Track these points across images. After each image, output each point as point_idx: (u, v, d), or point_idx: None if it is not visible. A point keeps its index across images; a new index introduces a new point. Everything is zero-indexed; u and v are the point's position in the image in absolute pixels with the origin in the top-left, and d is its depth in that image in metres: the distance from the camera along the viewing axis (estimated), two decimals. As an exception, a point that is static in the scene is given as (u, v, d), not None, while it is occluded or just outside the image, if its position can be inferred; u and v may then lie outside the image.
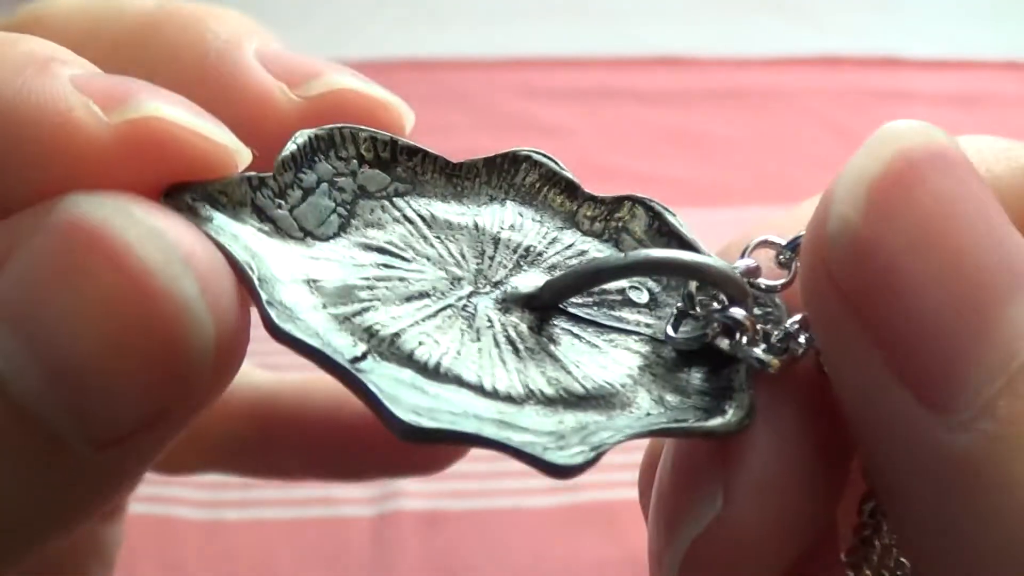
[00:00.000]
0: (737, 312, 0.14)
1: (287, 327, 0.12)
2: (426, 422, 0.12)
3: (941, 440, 0.12)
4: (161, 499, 0.35)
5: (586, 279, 0.14)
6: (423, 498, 0.37)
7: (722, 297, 0.14)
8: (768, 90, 0.64)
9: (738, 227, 0.16)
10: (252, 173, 0.14)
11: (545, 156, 0.16)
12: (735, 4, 0.75)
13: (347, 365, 0.12)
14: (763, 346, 0.14)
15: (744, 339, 0.14)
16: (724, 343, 0.14)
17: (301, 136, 0.15)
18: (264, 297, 0.13)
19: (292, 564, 0.34)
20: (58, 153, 0.13)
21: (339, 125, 0.15)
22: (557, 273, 0.15)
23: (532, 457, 0.12)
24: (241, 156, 0.14)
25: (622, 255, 0.14)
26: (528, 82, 0.65)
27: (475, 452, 0.18)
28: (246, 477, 0.25)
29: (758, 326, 0.14)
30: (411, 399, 0.12)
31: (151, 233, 0.12)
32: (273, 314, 0.12)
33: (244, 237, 0.13)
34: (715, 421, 0.13)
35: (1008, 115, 0.61)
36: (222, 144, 0.13)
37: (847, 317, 0.12)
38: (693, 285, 0.15)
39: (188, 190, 0.13)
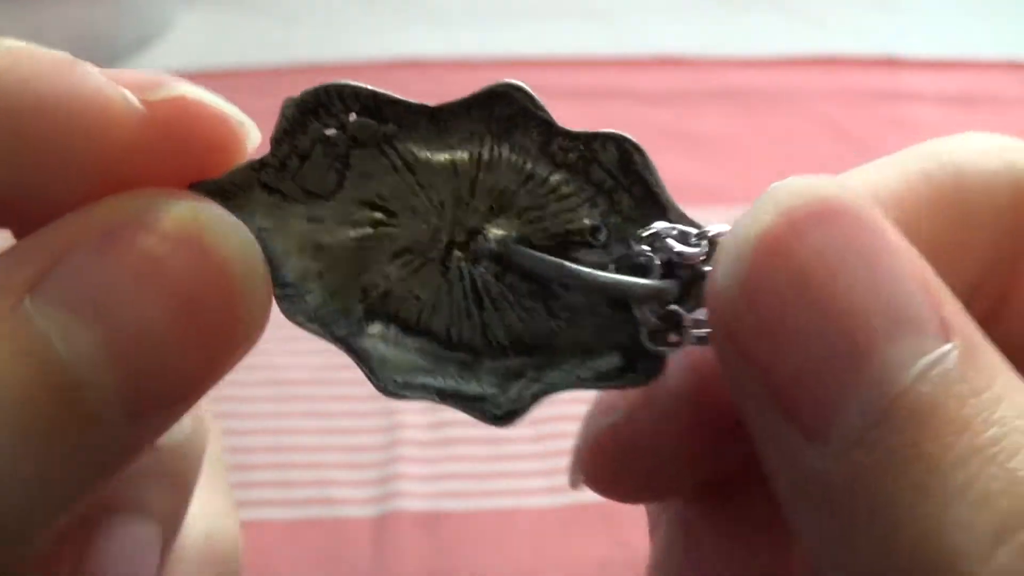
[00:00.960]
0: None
1: (292, 312, 0.15)
2: (401, 390, 0.16)
3: (820, 467, 0.13)
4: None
5: (540, 269, 0.16)
6: (423, 498, 0.37)
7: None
8: (768, 90, 0.64)
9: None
10: (252, 159, 0.16)
11: (522, 91, 0.17)
12: (735, 4, 0.75)
13: (341, 339, 0.16)
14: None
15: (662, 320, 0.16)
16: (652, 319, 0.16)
17: (288, 107, 0.16)
18: (276, 292, 0.15)
19: (292, 564, 0.34)
20: (104, 137, 0.14)
21: (322, 85, 0.16)
22: (528, 223, 0.16)
23: (479, 412, 0.15)
24: (252, 131, 0.16)
25: (575, 269, 0.16)
26: (528, 82, 0.65)
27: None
28: None
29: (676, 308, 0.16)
30: (393, 362, 0.16)
31: (230, 227, 0.14)
32: (284, 306, 0.15)
33: (257, 218, 0.15)
34: (629, 376, 0.16)
35: (1008, 115, 0.61)
36: (238, 119, 0.15)
37: (739, 358, 0.14)
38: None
39: (203, 186, 0.15)
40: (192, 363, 0.14)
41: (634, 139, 0.17)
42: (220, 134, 0.15)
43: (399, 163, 0.16)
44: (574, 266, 0.16)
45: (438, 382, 0.16)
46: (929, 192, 0.16)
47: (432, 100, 0.17)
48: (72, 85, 0.14)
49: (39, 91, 0.14)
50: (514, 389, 0.16)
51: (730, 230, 0.14)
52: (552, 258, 0.16)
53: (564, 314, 0.16)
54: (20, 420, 0.13)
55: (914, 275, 0.13)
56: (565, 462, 0.39)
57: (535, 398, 0.16)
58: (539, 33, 0.71)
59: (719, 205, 0.51)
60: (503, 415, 0.16)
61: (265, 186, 0.16)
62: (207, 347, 0.14)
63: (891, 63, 0.66)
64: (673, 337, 0.16)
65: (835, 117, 0.61)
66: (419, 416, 0.40)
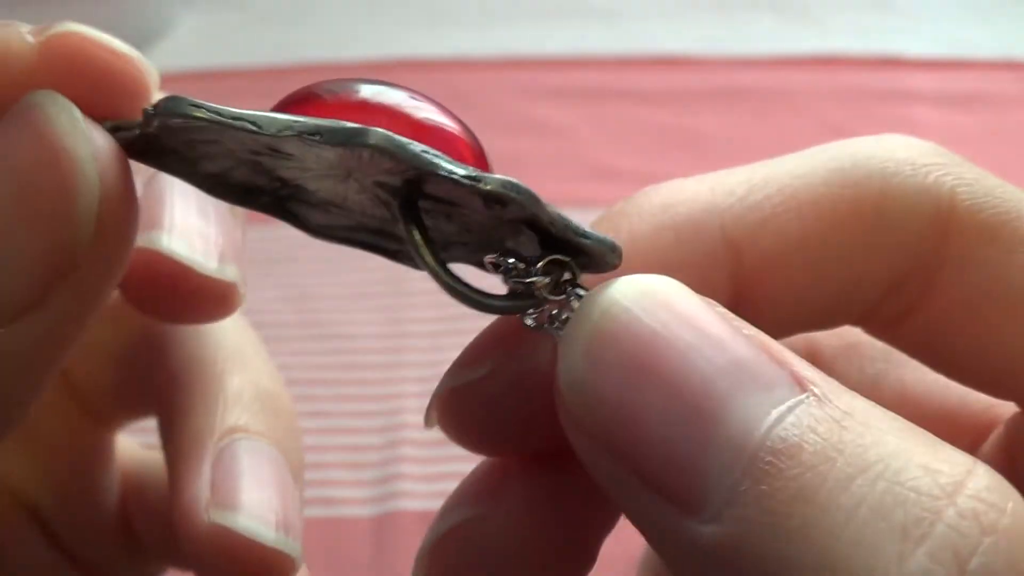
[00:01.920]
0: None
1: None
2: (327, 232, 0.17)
3: (700, 533, 0.13)
4: (161, 499, 0.35)
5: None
6: (423, 498, 0.37)
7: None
8: (768, 90, 0.64)
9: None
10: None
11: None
12: (735, 4, 0.75)
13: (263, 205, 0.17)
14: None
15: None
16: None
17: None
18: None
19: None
20: (2, 67, 0.16)
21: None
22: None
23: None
24: (152, 72, 0.17)
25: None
26: (528, 82, 0.65)
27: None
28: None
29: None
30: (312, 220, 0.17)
31: (64, 108, 0.15)
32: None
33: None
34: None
35: (1008, 115, 0.61)
36: (128, 55, 0.16)
37: (599, 452, 0.14)
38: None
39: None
40: (31, 255, 0.14)
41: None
42: (118, 69, 0.16)
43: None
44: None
45: (358, 236, 0.17)
46: (853, 195, 0.17)
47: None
48: None
49: None
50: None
51: (563, 340, 0.15)
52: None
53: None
54: None
55: (753, 338, 0.14)
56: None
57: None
58: (539, 33, 0.71)
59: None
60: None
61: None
62: (42, 240, 0.14)
63: (891, 63, 0.66)
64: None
65: (835, 117, 0.61)
66: (419, 416, 0.40)
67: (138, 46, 0.17)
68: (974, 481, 0.12)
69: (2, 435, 0.16)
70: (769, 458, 0.13)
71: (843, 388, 0.14)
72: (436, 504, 0.35)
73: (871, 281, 0.17)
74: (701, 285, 0.15)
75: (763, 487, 0.13)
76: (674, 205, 0.17)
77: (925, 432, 0.13)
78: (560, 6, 0.75)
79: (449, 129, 0.16)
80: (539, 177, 0.62)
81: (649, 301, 0.14)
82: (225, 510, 0.19)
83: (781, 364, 0.13)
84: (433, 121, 0.16)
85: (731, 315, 0.14)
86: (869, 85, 0.64)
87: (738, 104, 0.63)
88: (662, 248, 0.17)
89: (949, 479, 0.12)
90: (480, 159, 0.16)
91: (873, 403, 0.14)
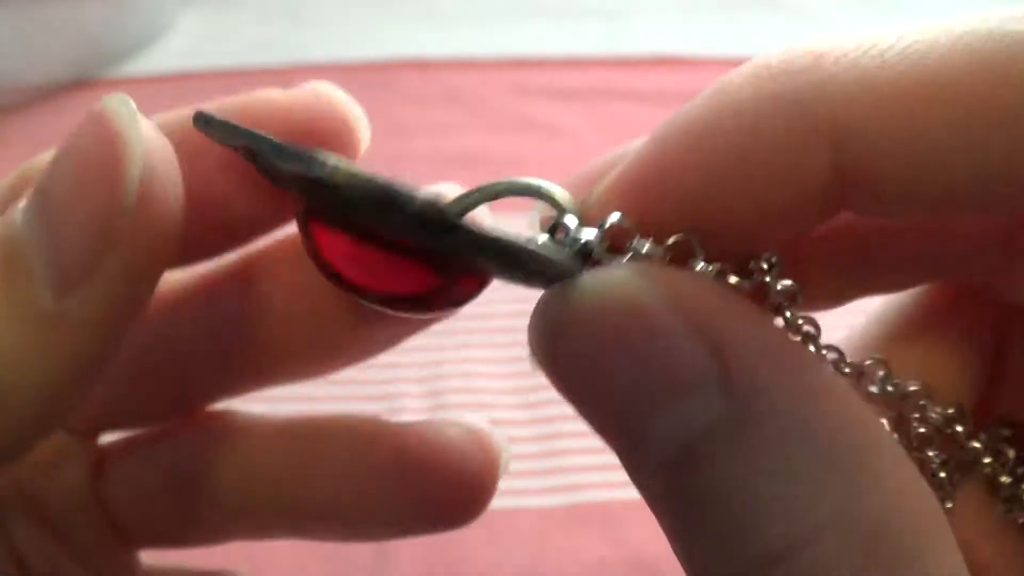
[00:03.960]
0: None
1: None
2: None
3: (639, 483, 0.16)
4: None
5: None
6: (423, 498, 0.37)
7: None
8: (768, 90, 0.64)
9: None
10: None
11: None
12: (735, 4, 0.75)
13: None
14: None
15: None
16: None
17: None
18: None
19: (292, 564, 0.34)
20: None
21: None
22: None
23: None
24: (365, 130, 0.20)
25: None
26: (527, 82, 0.65)
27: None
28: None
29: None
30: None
31: (123, 103, 0.17)
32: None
33: None
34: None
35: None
36: (357, 115, 0.20)
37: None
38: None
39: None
40: (82, 228, 0.16)
41: None
42: (342, 122, 0.19)
43: None
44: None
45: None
46: (1000, 71, 0.15)
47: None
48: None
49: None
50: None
51: (532, 316, 0.16)
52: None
53: None
54: None
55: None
56: (565, 462, 0.39)
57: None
58: (539, 33, 0.71)
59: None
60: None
61: None
62: (91, 213, 0.16)
63: (891, 63, 0.66)
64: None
65: (835, 117, 0.61)
66: (419, 416, 0.40)
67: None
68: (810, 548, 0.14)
69: (63, 416, 0.17)
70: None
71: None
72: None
73: (1011, 177, 0.15)
74: (795, 167, 0.15)
75: (680, 488, 0.15)
76: (783, 74, 0.16)
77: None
78: (560, 6, 0.75)
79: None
80: (539, 177, 0.61)
81: (600, 311, 0.15)
82: None
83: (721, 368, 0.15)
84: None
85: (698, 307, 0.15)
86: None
87: (738, 104, 0.63)
88: (760, 120, 0.16)
89: (782, 537, 0.14)
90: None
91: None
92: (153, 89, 0.62)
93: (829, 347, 0.18)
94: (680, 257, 0.16)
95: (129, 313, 0.17)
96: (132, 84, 0.63)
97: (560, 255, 0.16)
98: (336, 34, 0.71)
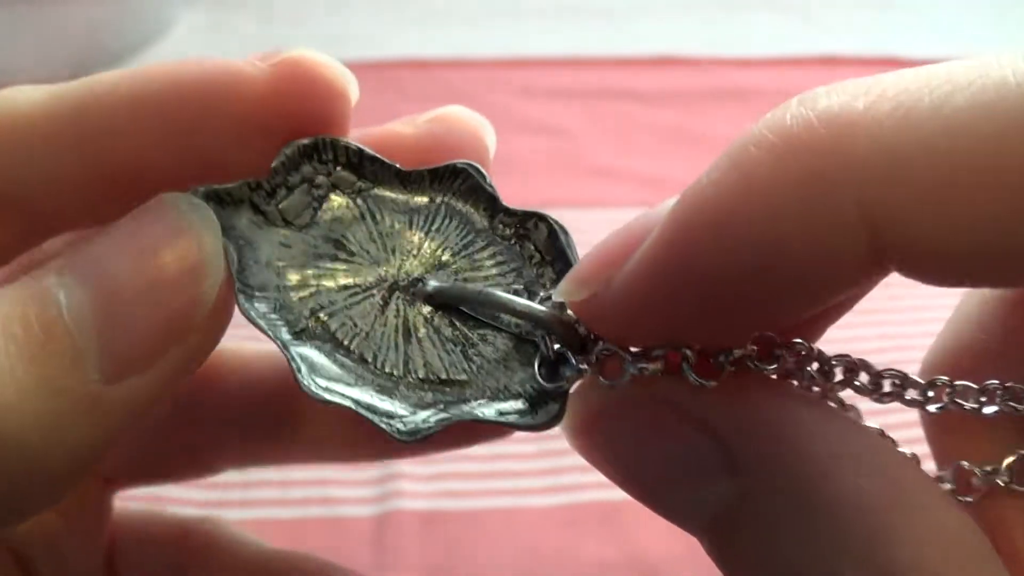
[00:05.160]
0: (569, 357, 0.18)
1: (246, 308, 0.17)
2: (323, 393, 0.17)
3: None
4: (162, 499, 0.35)
5: (456, 299, 0.19)
6: (423, 498, 0.37)
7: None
8: (768, 90, 0.64)
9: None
10: (251, 179, 0.18)
11: (477, 171, 0.20)
12: (735, 4, 0.75)
13: (282, 341, 0.17)
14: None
15: (567, 371, 0.18)
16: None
17: (290, 147, 0.18)
18: (237, 285, 0.17)
19: (292, 564, 0.34)
20: (240, 95, 0.18)
21: (321, 136, 0.19)
22: (457, 278, 0.19)
23: (383, 430, 0.17)
24: (353, 83, 0.19)
25: (479, 289, 0.19)
26: (528, 82, 0.65)
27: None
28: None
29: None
30: (323, 370, 0.18)
31: (197, 207, 0.17)
32: (241, 299, 0.17)
33: (239, 228, 0.18)
34: (526, 420, 0.18)
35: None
36: (344, 75, 0.18)
37: None
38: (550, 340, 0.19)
39: (208, 190, 0.18)
40: (154, 324, 0.16)
41: (559, 222, 0.20)
42: (330, 83, 0.19)
43: (366, 212, 0.19)
44: (494, 291, 0.19)
45: (357, 394, 0.18)
46: None
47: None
48: (214, 66, 0.18)
49: (197, 77, 0.18)
50: (422, 415, 0.18)
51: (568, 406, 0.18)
52: (474, 286, 0.19)
53: (479, 360, 0.19)
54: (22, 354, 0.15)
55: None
56: (565, 462, 0.39)
57: (440, 424, 0.18)
58: (539, 33, 0.71)
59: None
60: (407, 432, 0.17)
61: (254, 205, 0.18)
62: (167, 311, 0.16)
63: (891, 63, 0.66)
64: (566, 373, 0.18)
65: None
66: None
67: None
68: None
69: (71, 486, 0.17)
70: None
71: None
72: (436, 504, 0.35)
73: None
74: (827, 244, 0.14)
75: (721, 550, 0.16)
76: (806, 151, 0.14)
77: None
78: (560, 6, 0.75)
79: None
80: (539, 177, 0.62)
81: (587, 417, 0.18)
82: None
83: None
84: None
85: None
86: (869, 85, 0.64)
87: (738, 104, 0.63)
88: (788, 205, 0.14)
89: None
90: None
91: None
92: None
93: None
94: (673, 366, 0.17)
95: (174, 393, 0.17)
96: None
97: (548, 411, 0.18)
98: (335, 34, 0.71)
